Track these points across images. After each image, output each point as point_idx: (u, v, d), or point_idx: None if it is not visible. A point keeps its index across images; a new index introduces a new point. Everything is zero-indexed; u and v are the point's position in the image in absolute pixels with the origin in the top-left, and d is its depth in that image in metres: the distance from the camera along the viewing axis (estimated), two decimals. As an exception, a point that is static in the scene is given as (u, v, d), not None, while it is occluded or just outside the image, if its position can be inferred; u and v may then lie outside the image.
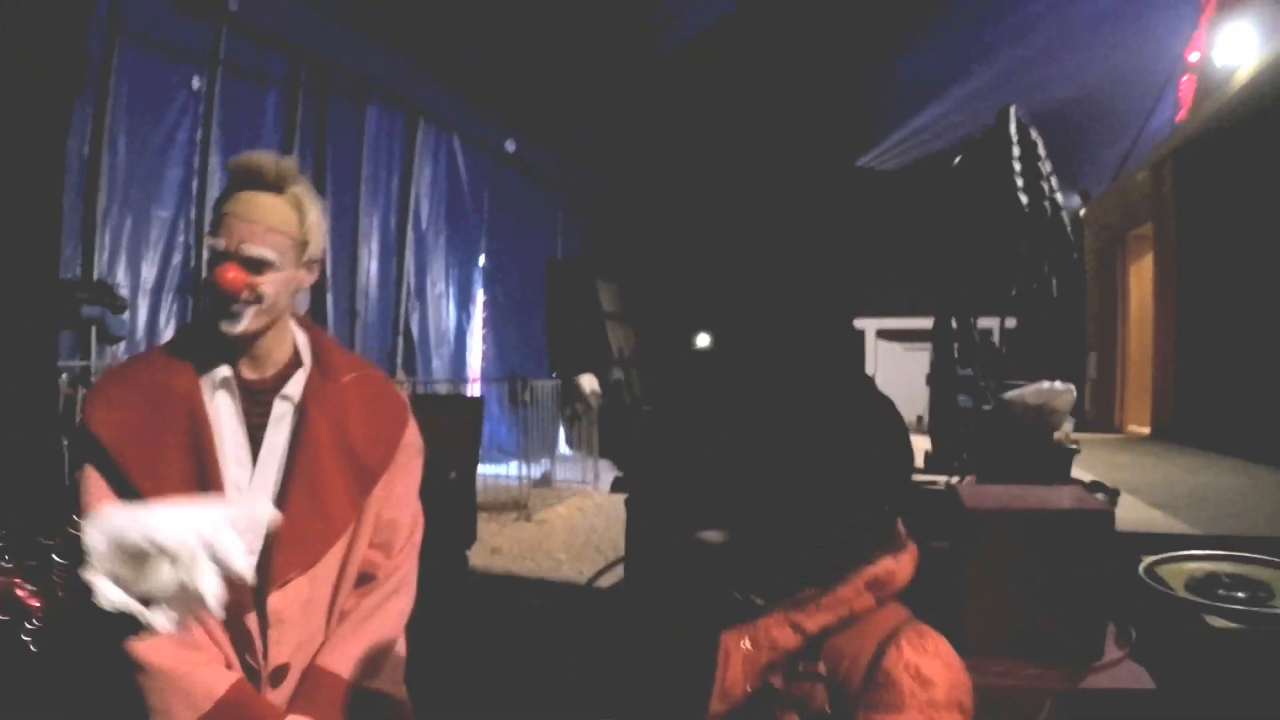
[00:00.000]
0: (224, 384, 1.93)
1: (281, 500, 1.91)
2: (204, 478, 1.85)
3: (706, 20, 7.94)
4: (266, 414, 1.95)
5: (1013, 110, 5.25)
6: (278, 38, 7.42)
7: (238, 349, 1.92)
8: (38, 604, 1.48)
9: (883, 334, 8.33)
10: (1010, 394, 4.03)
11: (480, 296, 10.71)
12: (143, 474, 1.84)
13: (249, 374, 1.95)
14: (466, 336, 10.62)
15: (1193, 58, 8.97)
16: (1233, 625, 2.65)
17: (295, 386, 1.99)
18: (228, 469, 1.90)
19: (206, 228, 1.88)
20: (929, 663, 1.26)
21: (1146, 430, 9.28)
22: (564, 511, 8.64)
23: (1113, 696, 2.50)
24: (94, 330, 6.02)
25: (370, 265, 9.19)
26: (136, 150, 6.52)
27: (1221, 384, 7.33)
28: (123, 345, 6.32)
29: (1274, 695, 2.47)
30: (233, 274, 1.81)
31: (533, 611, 5.92)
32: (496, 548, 7.40)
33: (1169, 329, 8.83)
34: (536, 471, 9.31)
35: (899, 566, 1.36)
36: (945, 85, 7.28)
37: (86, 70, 5.39)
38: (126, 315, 6.36)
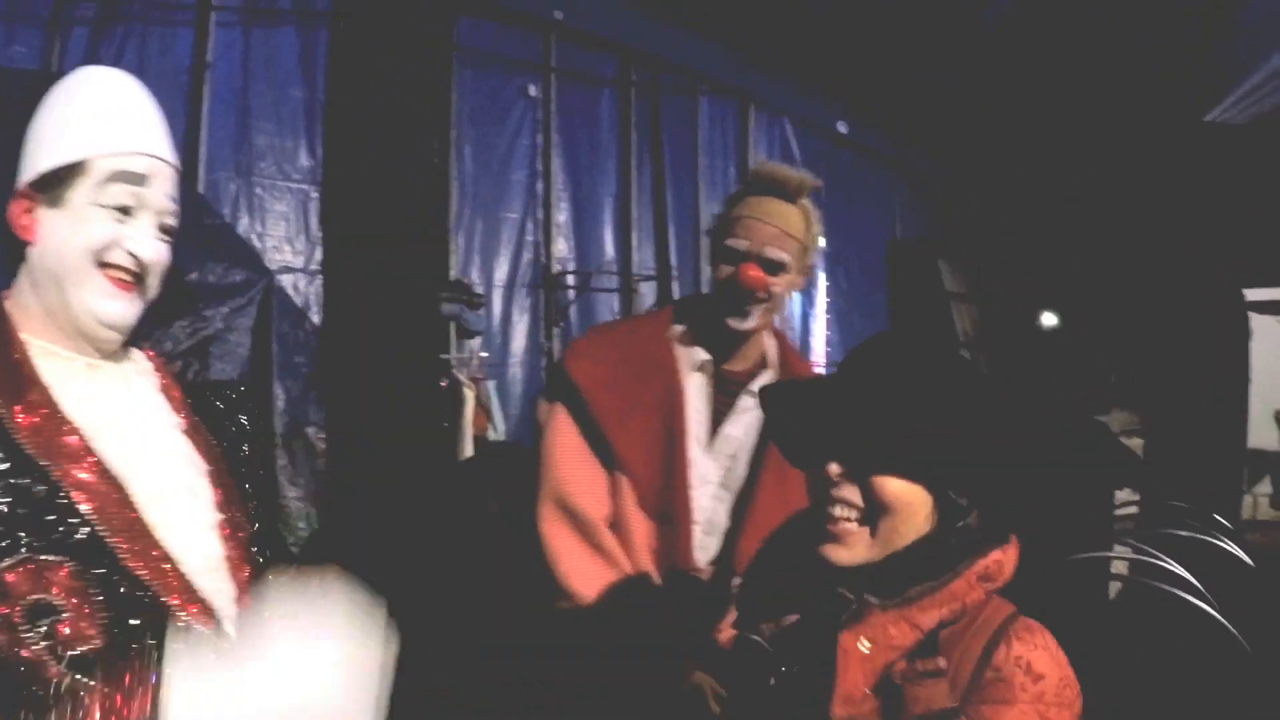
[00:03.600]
0: (701, 367, 2.10)
1: (750, 488, 2.07)
2: (670, 441, 2.03)
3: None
4: (731, 403, 2.11)
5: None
6: (605, 41, 7.76)
7: (724, 340, 2.09)
8: None
9: (1255, 306, 7.58)
10: None
11: (822, 281, 10.68)
12: (614, 423, 2.03)
13: (725, 364, 2.11)
14: (810, 321, 10.63)
15: None
16: None
17: (762, 384, 2.09)
18: (692, 442, 2.06)
19: (708, 228, 2.05)
20: (1039, 657, 1.26)
21: None
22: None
23: None
24: (453, 326, 6.45)
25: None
26: (482, 158, 7.00)
27: None
28: (479, 339, 6.76)
29: None
30: (755, 273, 1.97)
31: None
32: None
33: None
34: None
35: (1006, 559, 1.34)
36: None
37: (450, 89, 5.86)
38: (482, 311, 6.77)
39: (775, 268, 1.98)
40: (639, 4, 7.80)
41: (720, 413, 2.08)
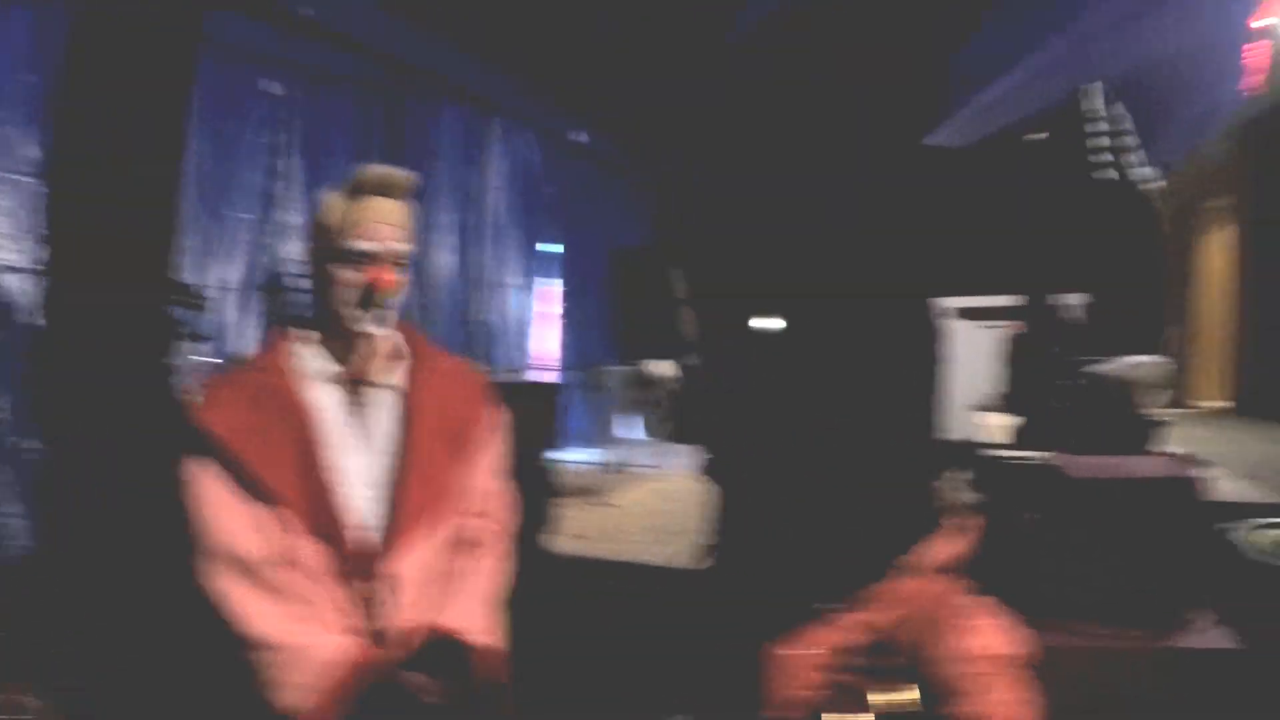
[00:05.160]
0: (331, 378, 2.13)
1: (395, 476, 2.12)
2: (313, 465, 2.05)
3: (770, 5, 7.91)
4: (371, 401, 2.15)
5: (1099, 85, 5.24)
6: (350, 41, 7.58)
7: (349, 346, 2.12)
8: None
9: (958, 311, 8.27)
10: (1104, 368, 4.02)
11: (554, 286, 10.82)
12: (261, 463, 2.01)
13: (356, 367, 2.14)
14: (541, 326, 10.74)
15: (1261, 24, 8.76)
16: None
17: (398, 376, 2.19)
18: (339, 455, 2.08)
19: (310, 236, 2.08)
20: (998, 639, 1.39)
21: (1218, 404, 9.16)
22: (639, 497, 8.73)
23: (1200, 659, 2.55)
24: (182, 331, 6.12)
25: (446, 258, 9.32)
26: (217, 155, 6.67)
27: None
28: (209, 345, 6.45)
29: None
30: (391, 275, 2.01)
31: (616, 593, 6.05)
32: (576, 532, 7.51)
33: (1252, 300, 8.70)
34: (610, 458, 9.41)
35: (959, 550, 1.38)
36: (1014, 58, 7.17)
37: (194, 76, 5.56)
38: (213, 316, 6.48)
39: (401, 267, 2.05)
40: (386, 5, 7.66)
41: (367, 415, 2.14)
